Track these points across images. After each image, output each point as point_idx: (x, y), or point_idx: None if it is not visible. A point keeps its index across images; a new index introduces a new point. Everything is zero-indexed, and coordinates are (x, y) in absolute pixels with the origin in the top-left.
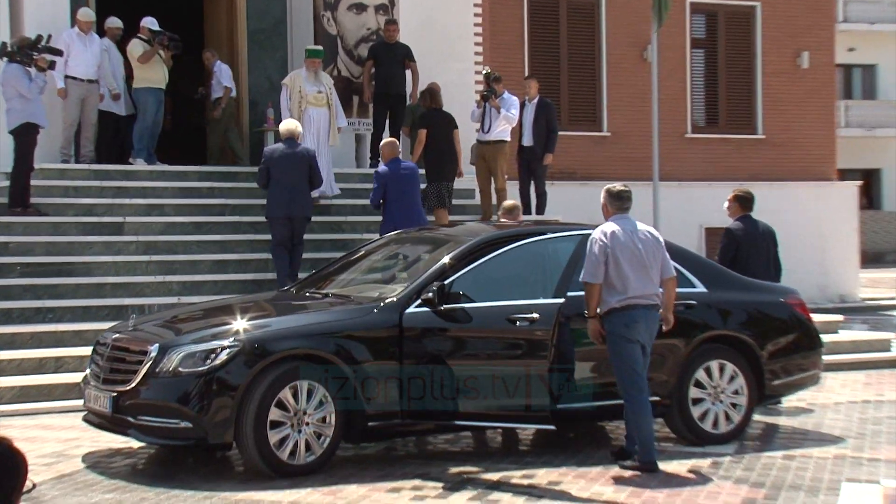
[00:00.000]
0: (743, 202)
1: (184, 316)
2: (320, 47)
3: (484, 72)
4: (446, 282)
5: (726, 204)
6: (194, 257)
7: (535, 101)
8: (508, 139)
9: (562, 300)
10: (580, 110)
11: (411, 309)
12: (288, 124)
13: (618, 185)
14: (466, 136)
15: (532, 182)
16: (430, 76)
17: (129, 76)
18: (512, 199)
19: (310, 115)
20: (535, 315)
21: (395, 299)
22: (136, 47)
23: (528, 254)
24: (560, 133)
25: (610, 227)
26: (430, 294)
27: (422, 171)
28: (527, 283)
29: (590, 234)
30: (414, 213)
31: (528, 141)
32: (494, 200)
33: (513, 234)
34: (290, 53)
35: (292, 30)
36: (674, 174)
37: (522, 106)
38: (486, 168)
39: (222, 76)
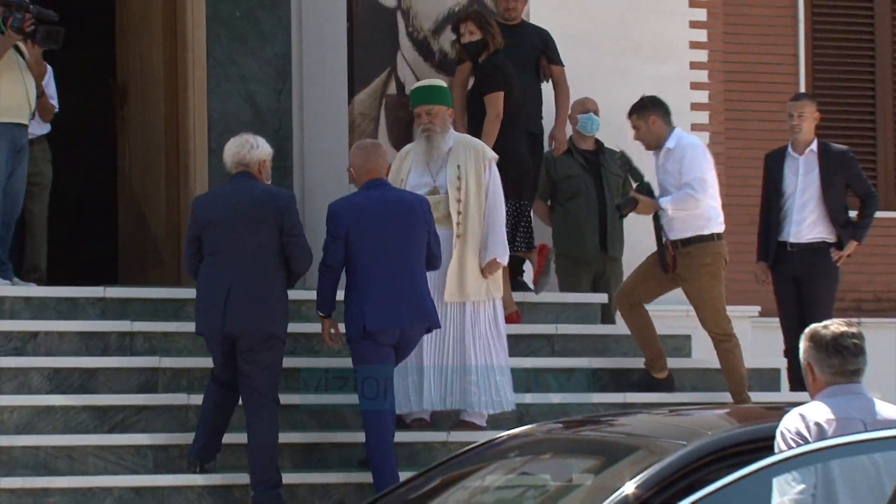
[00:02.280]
0: None
1: None
2: (440, 82)
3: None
4: None
5: None
6: (92, 481)
7: (812, 149)
8: (719, 229)
9: None
10: None
11: None
12: (237, 146)
13: (837, 324)
14: None
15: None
16: (592, 91)
17: None
18: None
19: None
20: None
21: None
22: None
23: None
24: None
25: (820, 412)
26: None
27: None
28: None
29: None
30: (414, 297)
31: (795, 233)
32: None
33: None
34: (299, 46)
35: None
36: None
37: (779, 159)
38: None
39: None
